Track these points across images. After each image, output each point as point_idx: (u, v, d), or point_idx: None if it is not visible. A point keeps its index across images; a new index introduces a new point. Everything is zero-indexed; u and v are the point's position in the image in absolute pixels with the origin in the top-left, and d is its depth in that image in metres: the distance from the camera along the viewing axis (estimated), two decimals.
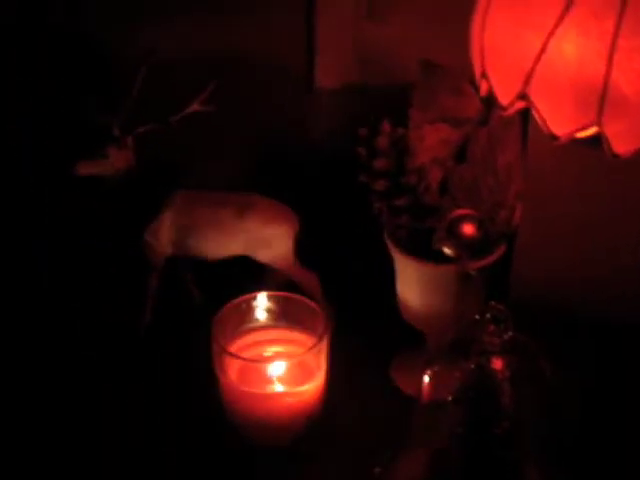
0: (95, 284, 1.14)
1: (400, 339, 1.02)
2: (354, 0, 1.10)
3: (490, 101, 0.78)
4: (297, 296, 0.96)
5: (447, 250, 0.90)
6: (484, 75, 0.74)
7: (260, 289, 0.99)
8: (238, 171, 1.15)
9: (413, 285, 0.95)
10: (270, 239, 1.02)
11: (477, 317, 0.81)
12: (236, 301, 0.94)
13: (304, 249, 1.04)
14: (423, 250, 0.93)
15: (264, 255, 1.03)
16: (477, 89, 0.79)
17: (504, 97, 0.73)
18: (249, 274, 1.05)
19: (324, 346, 0.91)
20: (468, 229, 0.90)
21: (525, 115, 0.91)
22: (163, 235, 1.02)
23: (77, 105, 1.03)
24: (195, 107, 0.98)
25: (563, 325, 1.03)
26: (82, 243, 1.16)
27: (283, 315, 0.96)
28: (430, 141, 0.95)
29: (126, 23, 1.09)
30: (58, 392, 1.00)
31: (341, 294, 1.06)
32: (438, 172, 0.95)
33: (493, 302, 0.80)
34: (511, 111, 0.74)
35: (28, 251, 1.16)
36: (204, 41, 1.11)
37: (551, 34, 0.69)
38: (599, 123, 0.70)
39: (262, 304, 0.96)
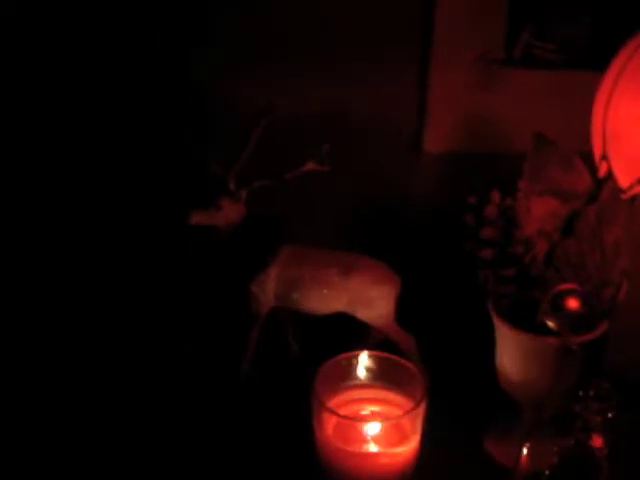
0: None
1: (496, 407, 1.02)
2: (467, 69, 1.12)
3: (602, 179, 0.80)
4: (398, 358, 0.97)
5: (550, 323, 0.91)
6: (604, 157, 0.76)
7: (357, 346, 1.00)
8: (343, 228, 1.17)
9: (513, 355, 0.95)
10: (372, 299, 1.03)
11: (580, 393, 0.81)
12: (338, 357, 0.96)
13: (404, 310, 1.06)
14: (525, 321, 0.93)
15: (365, 314, 1.05)
16: (595, 169, 0.80)
17: (624, 180, 0.74)
18: (347, 330, 1.07)
19: (421, 411, 0.92)
20: (573, 304, 0.90)
21: None
22: (268, 287, 1.04)
23: (194, 156, 1.07)
24: (310, 166, 1.01)
25: None
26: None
27: (382, 375, 0.97)
28: (537, 213, 0.96)
29: (244, 79, 1.13)
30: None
31: (439, 358, 1.07)
32: (544, 244, 0.96)
33: (598, 380, 0.80)
34: (630, 194, 0.75)
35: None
36: (318, 101, 1.15)
37: None
38: None
39: (363, 363, 0.97)
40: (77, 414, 1.04)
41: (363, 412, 0.97)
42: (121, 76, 1.16)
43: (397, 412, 0.95)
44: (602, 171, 0.77)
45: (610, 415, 0.79)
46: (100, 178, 1.19)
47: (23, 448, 0.99)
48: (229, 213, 1.02)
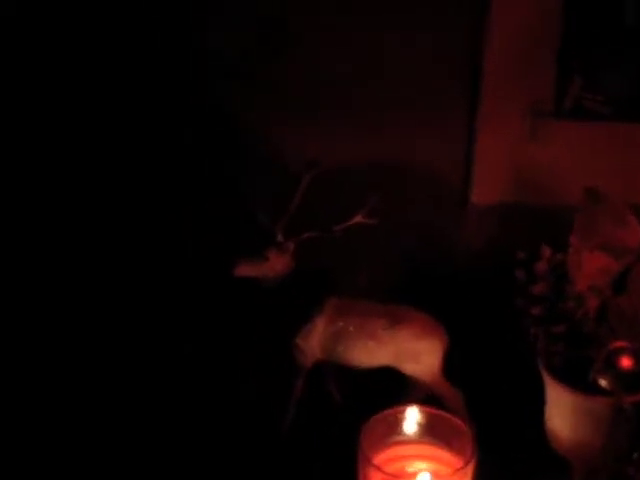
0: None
1: (545, 467, 1.00)
2: (516, 121, 1.12)
3: None
4: (447, 414, 0.95)
5: (603, 382, 0.89)
6: None
7: (401, 401, 0.99)
8: (389, 281, 1.16)
9: (564, 413, 0.94)
10: (419, 353, 1.02)
11: (635, 455, 0.79)
12: (385, 412, 0.94)
13: (451, 366, 1.04)
14: (577, 379, 0.92)
15: (411, 368, 1.03)
16: None
17: None
18: (391, 384, 1.06)
19: (471, 469, 0.90)
20: (626, 362, 0.89)
21: None
22: (314, 340, 1.04)
23: (242, 207, 1.07)
24: (358, 219, 1.01)
25: None
26: None
27: (430, 431, 0.95)
28: (588, 268, 0.95)
29: (294, 133, 1.14)
30: None
31: (487, 414, 1.04)
32: (595, 300, 0.94)
33: None
34: None
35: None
36: (365, 153, 1.15)
37: None
38: None
39: (411, 418, 0.95)
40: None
41: (410, 469, 0.95)
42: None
43: (445, 469, 0.93)
44: None
45: None
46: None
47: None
48: (275, 265, 1.01)
